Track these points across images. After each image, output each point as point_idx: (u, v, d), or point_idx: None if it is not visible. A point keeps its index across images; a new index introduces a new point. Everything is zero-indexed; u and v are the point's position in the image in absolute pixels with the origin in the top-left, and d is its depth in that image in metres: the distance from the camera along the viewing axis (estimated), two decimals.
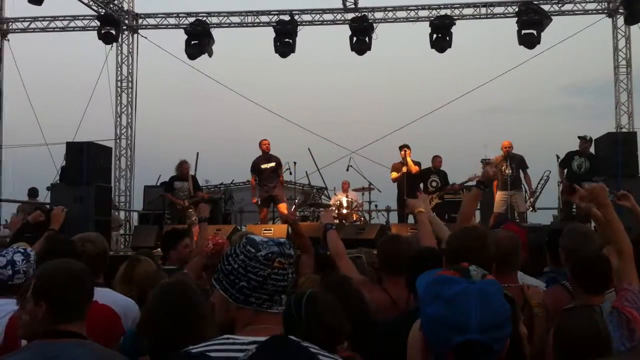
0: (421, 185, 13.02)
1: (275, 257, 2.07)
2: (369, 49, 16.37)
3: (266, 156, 12.82)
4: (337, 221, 13.16)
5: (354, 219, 13.50)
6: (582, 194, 3.55)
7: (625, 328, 3.26)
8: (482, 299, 1.59)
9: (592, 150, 12.80)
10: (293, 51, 16.58)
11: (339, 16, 17.33)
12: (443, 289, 1.62)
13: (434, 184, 13.02)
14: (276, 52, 16.54)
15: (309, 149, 15.09)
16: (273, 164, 12.76)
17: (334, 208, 13.41)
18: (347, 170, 14.37)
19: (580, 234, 4.12)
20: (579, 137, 12.72)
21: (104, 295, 3.68)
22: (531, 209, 13.43)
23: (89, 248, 4.07)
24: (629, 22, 15.84)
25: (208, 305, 2.66)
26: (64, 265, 2.66)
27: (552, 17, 16.01)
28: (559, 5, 16.54)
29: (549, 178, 13.31)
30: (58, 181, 13.56)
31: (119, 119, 17.98)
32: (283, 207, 12.70)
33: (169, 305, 2.88)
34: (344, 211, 13.34)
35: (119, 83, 18.07)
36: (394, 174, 13.04)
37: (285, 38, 16.52)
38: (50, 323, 2.53)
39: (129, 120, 18.02)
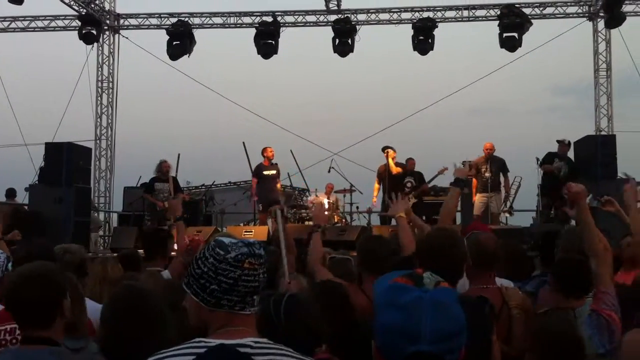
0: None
1: (245, 258, 2.03)
2: (352, 50, 16.39)
3: (269, 164, 13.03)
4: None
5: (336, 220, 13.50)
6: (570, 189, 3.52)
7: (605, 330, 3.27)
8: (434, 308, 1.55)
9: (571, 154, 12.91)
10: (276, 52, 16.55)
11: (321, 18, 17.33)
12: (395, 296, 1.58)
13: (408, 184, 13.12)
14: (258, 53, 16.50)
15: (291, 150, 15.11)
16: (274, 172, 12.99)
17: (311, 207, 13.43)
18: (329, 172, 14.37)
19: (577, 236, 4.11)
20: (558, 141, 12.83)
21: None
22: (507, 213, 13.49)
23: (68, 258, 4.03)
24: (610, 25, 16.00)
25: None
26: (26, 269, 2.61)
27: (534, 20, 16.13)
28: (541, 8, 16.65)
29: (520, 185, 13.38)
30: (37, 182, 13.42)
31: (99, 120, 17.84)
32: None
33: (120, 311, 2.81)
34: (325, 213, 13.33)
35: (99, 83, 17.93)
36: (376, 186, 13.16)
37: (267, 39, 16.49)
38: (21, 328, 2.49)
39: (110, 121, 17.89)
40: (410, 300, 1.55)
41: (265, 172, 12.98)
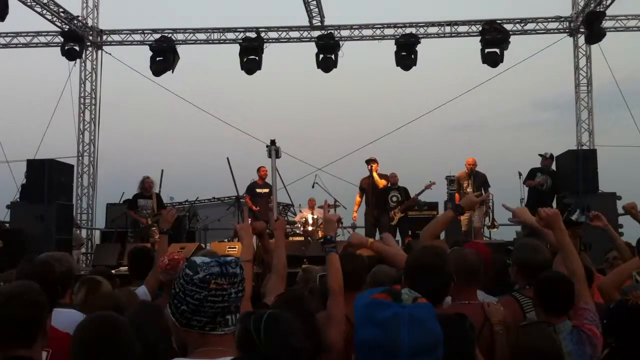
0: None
1: (212, 279, 2.04)
2: (335, 66, 16.46)
3: (262, 182, 13.35)
4: (303, 238, 13.15)
5: (319, 235, 13.46)
6: (541, 215, 3.61)
7: (587, 345, 3.30)
8: (412, 323, 1.58)
9: (553, 167, 13.03)
10: (259, 68, 16.58)
11: (305, 33, 17.41)
12: (375, 312, 1.61)
13: (394, 199, 13.18)
14: (242, 68, 16.52)
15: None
16: (267, 190, 13.19)
17: (299, 225, 13.42)
18: (313, 187, 14.37)
19: (530, 248, 4.13)
20: (540, 155, 12.95)
21: (65, 317, 3.54)
22: (492, 228, 13.52)
23: (57, 266, 3.93)
24: (590, 41, 16.18)
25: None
26: (7, 289, 2.59)
27: (515, 36, 16.31)
28: (522, 24, 16.83)
29: (492, 200, 13.44)
30: (18, 199, 13.30)
31: (81, 136, 17.74)
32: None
33: (89, 343, 2.71)
34: (310, 228, 13.33)
35: (82, 99, 17.85)
36: (357, 199, 13.25)
37: (251, 55, 16.52)
38: (1, 348, 2.45)
39: (92, 137, 17.80)
40: (388, 316, 1.58)
41: (258, 190, 13.29)
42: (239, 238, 4.01)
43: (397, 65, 16.29)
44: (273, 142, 7.38)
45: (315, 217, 13.61)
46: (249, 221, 4.35)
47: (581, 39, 16.76)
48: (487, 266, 4.24)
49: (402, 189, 13.31)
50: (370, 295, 1.69)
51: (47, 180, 12.66)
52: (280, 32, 17.49)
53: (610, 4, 15.60)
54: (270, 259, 4.51)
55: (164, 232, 5.52)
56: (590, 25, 15.70)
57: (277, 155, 6.23)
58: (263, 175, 13.31)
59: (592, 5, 15.94)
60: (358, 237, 4.67)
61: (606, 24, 15.96)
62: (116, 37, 18.04)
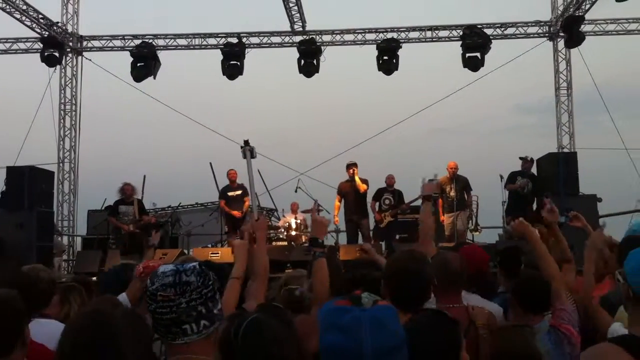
0: (376, 205, 13.12)
1: (158, 291, 2.03)
2: (317, 71, 16.47)
3: (233, 185, 13.39)
4: (286, 243, 13.12)
5: (303, 240, 13.46)
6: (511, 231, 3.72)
7: (565, 344, 3.36)
8: (373, 325, 1.60)
9: (534, 170, 13.11)
10: (241, 73, 16.55)
11: (287, 39, 17.41)
12: (336, 318, 1.63)
13: (387, 201, 13.15)
14: (224, 74, 16.47)
15: (258, 170, 15.04)
16: (239, 192, 13.26)
17: (283, 230, 13.39)
18: (296, 191, 14.36)
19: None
20: (520, 158, 13.04)
21: (45, 328, 3.47)
22: (475, 231, 13.56)
23: (42, 276, 3.88)
24: (569, 45, 16.33)
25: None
26: None
27: (496, 40, 16.41)
28: (502, 29, 16.95)
29: (478, 204, 13.50)
30: None
31: (62, 143, 17.58)
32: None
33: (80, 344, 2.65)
34: (293, 233, 13.31)
35: (62, 106, 17.70)
36: (337, 203, 13.19)
37: (233, 60, 16.49)
38: None
39: (73, 144, 17.64)
40: (349, 320, 1.61)
41: (230, 194, 13.28)
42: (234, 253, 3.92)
43: (379, 70, 16.33)
44: (247, 142, 7.38)
45: (299, 221, 13.59)
46: (245, 235, 4.16)
47: (561, 43, 16.91)
48: (484, 269, 4.31)
49: (397, 192, 13.27)
50: (333, 303, 1.70)
51: (27, 188, 12.57)
52: (261, 37, 17.48)
53: (589, 8, 15.76)
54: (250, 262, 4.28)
55: (151, 245, 5.58)
56: (569, 30, 15.85)
57: (252, 156, 6.25)
58: (232, 177, 13.33)
59: (571, 9, 16.10)
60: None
61: (585, 28, 16.11)
62: (96, 43, 17.91)
